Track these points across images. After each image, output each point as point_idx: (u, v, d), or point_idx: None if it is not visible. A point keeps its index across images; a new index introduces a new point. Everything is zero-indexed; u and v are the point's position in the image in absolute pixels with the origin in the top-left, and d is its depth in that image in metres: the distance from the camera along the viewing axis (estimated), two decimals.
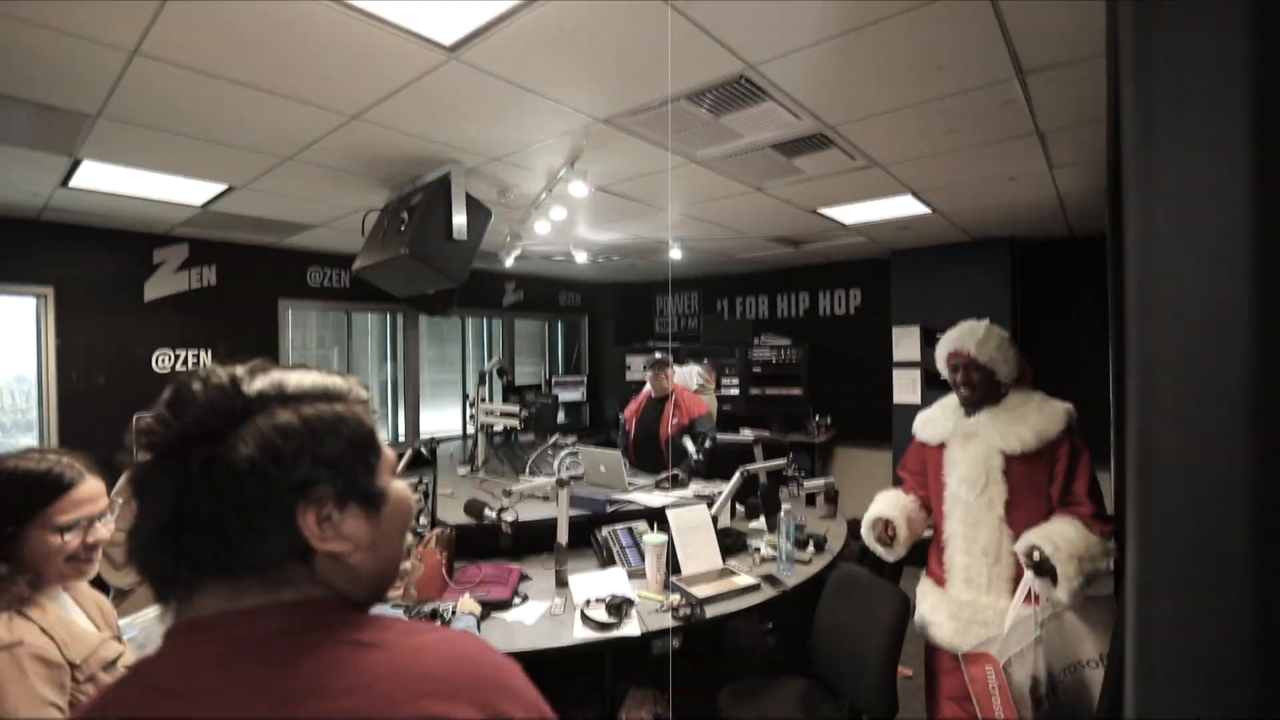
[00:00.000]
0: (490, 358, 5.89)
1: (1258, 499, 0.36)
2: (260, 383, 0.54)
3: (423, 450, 4.10)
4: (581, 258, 4.62)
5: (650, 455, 3.58)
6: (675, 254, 4.45)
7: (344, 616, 0.54)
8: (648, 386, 3.88)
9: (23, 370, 3.64)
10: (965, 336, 2.02)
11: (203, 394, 0.52)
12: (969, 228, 4.13)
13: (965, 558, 1.97)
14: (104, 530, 1.11)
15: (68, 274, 3.67)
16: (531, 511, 2.69)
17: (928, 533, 2.24)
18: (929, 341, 4.77)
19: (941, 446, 2.10)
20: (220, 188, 2.95)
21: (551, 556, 2.36)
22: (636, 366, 6.24)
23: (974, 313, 4.47)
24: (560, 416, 6.32)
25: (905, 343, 4.91)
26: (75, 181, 2.78)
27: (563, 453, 3.30)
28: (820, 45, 1.67)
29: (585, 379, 6.52)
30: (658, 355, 3.88)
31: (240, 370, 0.54)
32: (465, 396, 4.93)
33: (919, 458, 2.23)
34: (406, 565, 0.64)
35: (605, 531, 2.56)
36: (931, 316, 4.77)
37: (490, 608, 2.09)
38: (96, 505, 1.11)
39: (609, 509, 2.76)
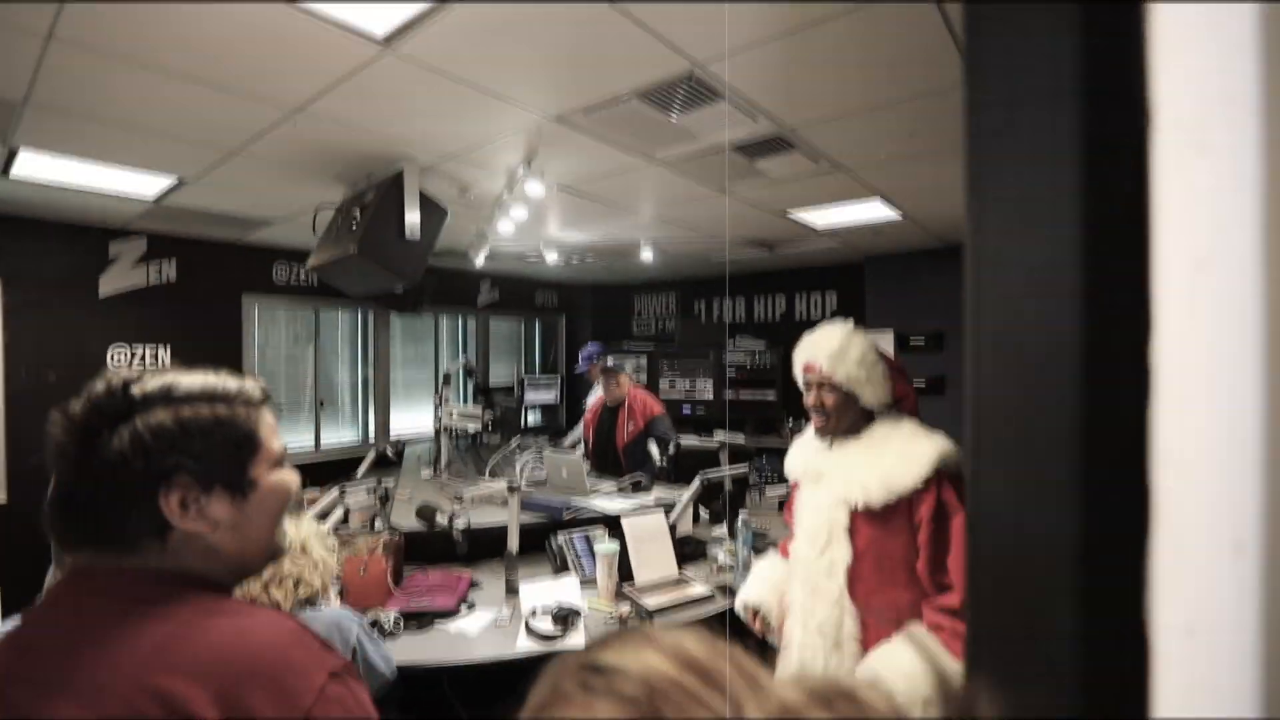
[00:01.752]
0: (464, 357, 5.81)
1: (1082, 562, 0.32)
2: (151, 385, 0.64)
3: (387, 452, 4.02)
4: (554, 258, 4.56)
5: (609, 464, 3.53)
6: (647, 255, 4.40)
7: (166, 588, 0.62)
8: (600, 396, 3.80)
9: None
10: (818, 346, 1.60)
11: (97, 394, 0.63)
12: (941, 233, 4.12)
13: (801, 633, 1.54)
14: None
15: (16, 267, 3.54)
16: (487, 517, 2.63)
17: None
18: (903, 347, 4.77)
19: (795, 485, 1.73)
20: (169, 180, 2.85)
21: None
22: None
23: (947, 319, 4.60)
24: (534, 418, 6.26)
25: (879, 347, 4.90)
26: (16, 171, 2.68)
27: (523, 459, 3.24)
28: (769, 44, 1.63)
29: (560, 379, 6.45)
30: (610, 362, 3.77)
31: (136, 375, 0.65)
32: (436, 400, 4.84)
33: (793, 500, 1.80)
34: (293, 548, 0.71)
35: (561, 538, 2.51)
36: (906, 322, 4.76)
37: (434, 617, 2.03)
38: None
39: (566, 515, 2.70)
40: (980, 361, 0.37)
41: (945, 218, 3.64)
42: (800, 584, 1.57)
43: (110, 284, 3.87)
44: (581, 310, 7.17)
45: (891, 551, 1.46)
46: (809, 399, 1.61)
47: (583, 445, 4.02)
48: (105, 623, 0.58)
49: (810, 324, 1.73)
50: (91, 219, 3.62)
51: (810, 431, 1.74)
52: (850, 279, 5.31)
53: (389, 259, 2.41)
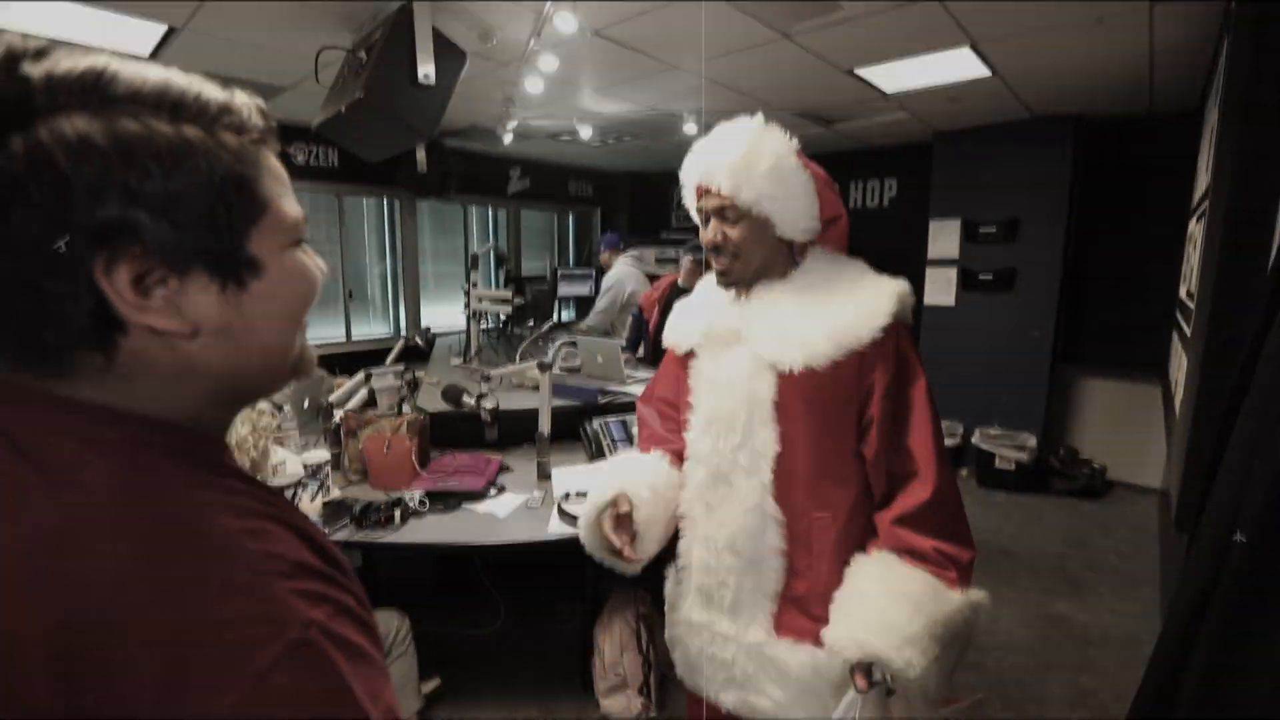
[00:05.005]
0: (494, 241, 5.58)
1: None
2: (64, 67, 0.35)
3: (417, 341, 3.90)
4: (587, 133, 4.16)
5: None
6: (690, 129, 3.97)
7: (89, 432, 0.37)
8: (673, 273, 3.61)
9: None
10: (711, 157, 1.09)
11: None
12: (1031, 99, 3.56)
13: (704, 551, 1.15)
14: None
15: None
16: (518, 401, 2.48)
17: None
18: (971, 237, 4.32)
19: (689, 357, 1.23)
20: (160, 28, 2.56)
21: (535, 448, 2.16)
22: (649, 259, 5.88)
23: (1026, 206, 4.11)
24: (568, 314, 6.07)
25: (942, 238, 4.46)
26: None
27: (558, 342, 3.05)
28: None
29: (594, 272, 6.19)
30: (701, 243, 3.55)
31: (31, 45, 0.35)
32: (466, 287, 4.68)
33: (669, 375, 1.33)
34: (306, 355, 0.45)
35: (596, 423, 2.35)
36: (975, 209, 4.28)
37: (461, 499, 1.92)
38: None
39: (602, 400, 2.53)
40: None
41: (1044, 74, 3.10)
42: (700, 488, 1.15)
43: None
44: (617, 201, 6.78)
45: (832, 431, 1.06)
46: (705, 235, 1.13)
47: (633, 327, 3.86)
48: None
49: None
50: None
51: (705, 283, 1.28)
52: (913, 162, 4.77)
53: (400, 108, 2.12)
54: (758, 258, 1.11)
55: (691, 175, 1.14)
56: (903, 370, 1.06)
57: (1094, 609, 2.73)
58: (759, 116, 1.10)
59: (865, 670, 0.95)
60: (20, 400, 0.37)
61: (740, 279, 1.14)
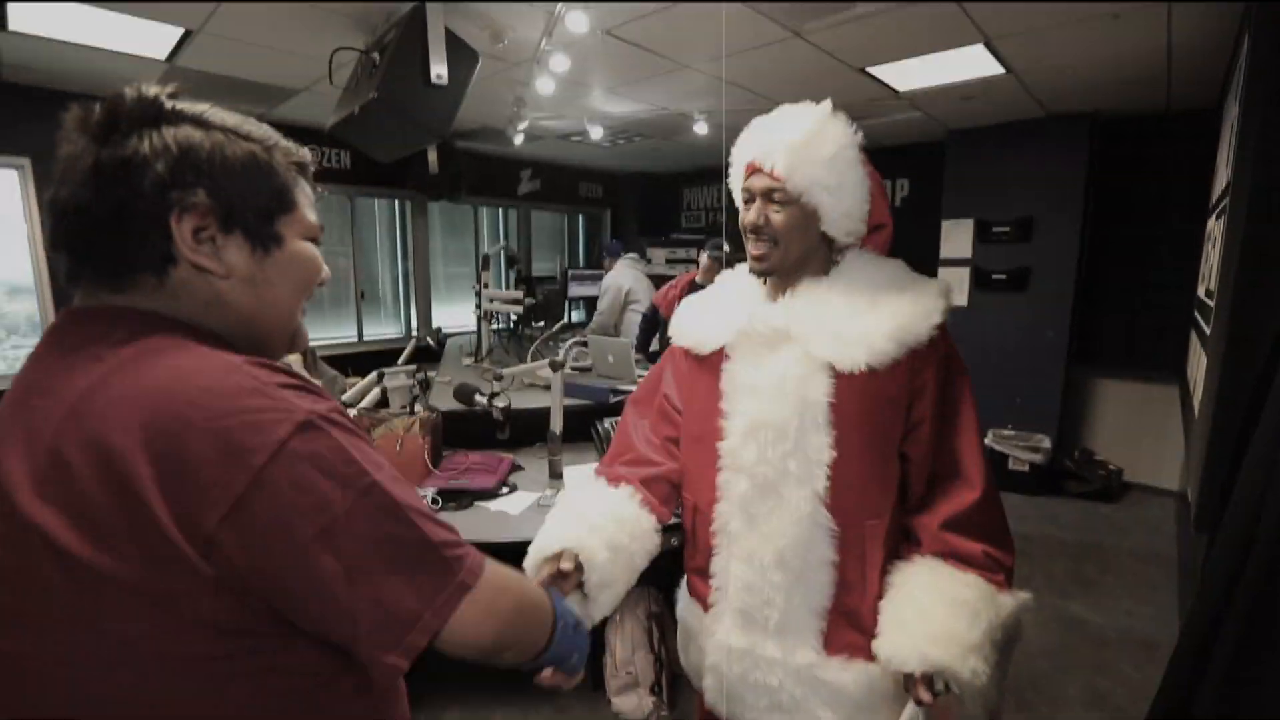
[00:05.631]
0: (504, 241, 5.60)
1: None
2: (187, 105, 0.55)
3: (429, 341, 3.92)
4: (598, 134, 4.17)
5: None
6: (701, 129, 3.97)
7: (135, 328, 0.52)
8: (691, 273, 3.63)
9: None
10: (772, 134, 1.02)
11: (124, 96, 0.53)
12: (1046, 97, 3.52)
13: (746, 569, 1.05)
14: None
15: (43, 143, 3.40)
16: (529, 401, 2.49)
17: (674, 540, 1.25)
18: (985, 237, 4.28)
19: (718, 357, 1.11)
20: (176, 32, 2.59)
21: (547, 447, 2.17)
22: (659, 260, 5.88)
23: (1041, 205, 4.07)
24: (578, 315, 6.08)
25: (955, 237, 4.43)
26: (14, 23, 2.46)
27: (569, 342, 3.06)
28: None
29: (604, 274, 6.20)
30: (725, 246, 3.57)
31: (169, 91, 0.55)
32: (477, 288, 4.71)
33: (678, 376, 1.20)
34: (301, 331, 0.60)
35: (607, 423, 2.35)
36: (989, 208, 4.25)
37: (473, 497, 1.92)
38: None
39: (612, 399, 2.54)
40: None
41: (1060, 71, 3.07)
42: (740, 503, 1.05)
43: None
44: (627, 203, 6.78)
45: (885, 433, 1.01)
46: (747, 216, 1.05)
47: (643, 327, 3.88)
48: (56, 365, 0.51)
49: None
50: (108, 88, 3.42)
51: (726, 278, 1.20)
52: (925, 162, 4.74)
53: (414, 108, 2.13)
54: (797, 249, 1.04)
55: (745, 151, 1.06)
56: (952, 369, 1.03)
57: (1110, 611, 2.70)
58: (827, 103, 1.04)
59: (928, 682, 0.90)
60: (91, 309, 0.54)
61: (776, 269, 1.06)
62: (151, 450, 0.45)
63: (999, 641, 0.92)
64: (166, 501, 0.44)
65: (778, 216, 1.02)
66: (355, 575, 0.49)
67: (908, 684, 0.92)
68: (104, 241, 0.52)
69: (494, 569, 0.61)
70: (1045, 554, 3.22)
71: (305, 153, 0.63)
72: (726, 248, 3.56)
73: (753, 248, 1.06)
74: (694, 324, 1.17)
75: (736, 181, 1.10)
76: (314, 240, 0.63)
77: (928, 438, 1.01)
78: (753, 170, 1.05)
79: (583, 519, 1.03)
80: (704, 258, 3.62)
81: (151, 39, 2.66)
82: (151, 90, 0.54)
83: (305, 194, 0.62)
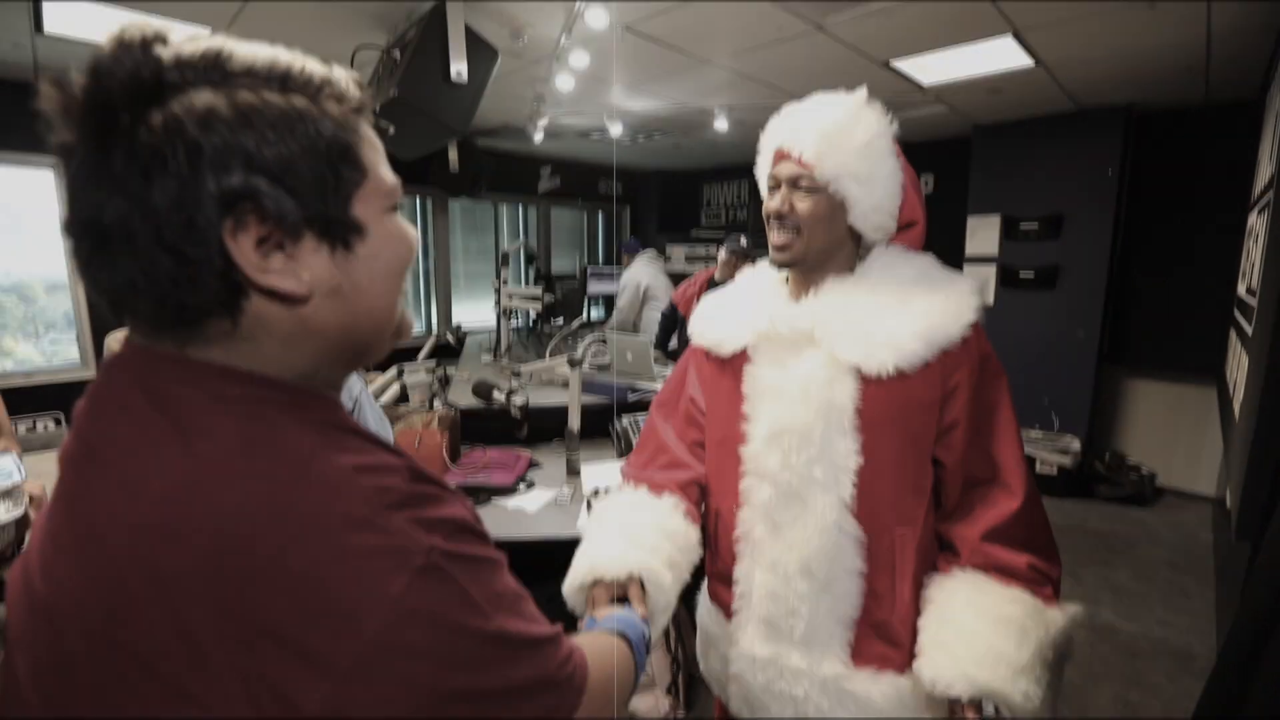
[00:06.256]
0: (524, 238, 5.62)
1: None
2: (189, 50, 0.38)
3: (448, 338, 3.95)
4: (617, 130, 4.16)
5: None
6: (721, 125, 3.93)
7: (232, 405, 0.40)
8: (709, 270, 3.61)
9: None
10: (802, 120, 0.98)
11: (104, 60, 0.37)
12: (1077, 90, 3.43)
13: (770, 578, 1.01)
14: None
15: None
16: (547, 398, 2.48)
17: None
18: (1011, 234, 4.19)
19: (739, 360, 1.07)
20: (204, 33, 2.63)
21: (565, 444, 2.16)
22: (678, 257, 5.86)
23: (1071, 201, 3.96)
24: (597, 313, 6.08)
25: (981, 234, 4.34)
26: (49, 26, 2.52)
27: (587, 339, 3.05)
28: None
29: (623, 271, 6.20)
30: (743, 240, 3.53)
31: (158, 31, 0.38)
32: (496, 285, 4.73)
33: (702, 377, 1.16)
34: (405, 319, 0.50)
35: (625, 420, 2.34)
36: (1016, 205, 4.15)
37: (491, 493, 1.93)
38: None
39: (631, 397, 2.52)
40: None
41: (1092, 63, 2.98)
42: (763, 510, 1.01)
43: None
44: (647, 200, 6.77)
45: (916, 438, 0.95)
46: (771, 203, 1.00)
47: (662, 326, 3.87)
48: (122, 437, 0.39)
49: None
50: None
51: (748, 275, 1.16)
52: (950, 156, 4.65)
53: (433, 105, 2.14)
54: (821, 239, 0.98)
55: (773, 137, 1.01)
56: (987, 370, 0.97)
57: (1143, 620, 2.61)
58: (862, 90, 0.99)
59: (977, 707, 0.86)
60: (158, 361, 0.41)
61: (797, 260, 1.00)
62: (233, 607, 0.35)
63: (1050, 660, 0.87)
64: (255, 676, 0.35)
65: (803, 204, 0.97)
66: None
67: (954, 709, 0.87)
68: (146, 278, 0.38)
69: (592, 655, 0.55)
70: (1073, 559, 3.14)
71: (356, 84, 0.46)
72: (744, 241, 3.52)
73: (774, 236, 1.01)
74: (714, 324, 1.13)
75: (763, 169, 1.05)
76: (395, 206, 0.48)
77: (962, 442, 0.95)
78: (780, 156, 1.00)
79: (639, 539, 0.99)
80: (722, 253, 3.59)
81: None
82: (132, 34, 0.38)
83: (373, 145, 0.46)
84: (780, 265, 1.03)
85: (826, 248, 1.00)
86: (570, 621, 0.72)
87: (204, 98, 0.38)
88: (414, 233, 0.50)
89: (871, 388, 0.94)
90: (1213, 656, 2.30)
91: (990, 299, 4.27)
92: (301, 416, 0.42)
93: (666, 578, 0.96)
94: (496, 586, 0.45)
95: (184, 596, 0.35)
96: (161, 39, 0.39)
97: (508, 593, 0.46)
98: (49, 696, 0.39)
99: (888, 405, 0.94)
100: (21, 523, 1.77)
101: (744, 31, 2.65)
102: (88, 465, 0.41)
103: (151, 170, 0.37)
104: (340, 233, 0.43)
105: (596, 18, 2.24)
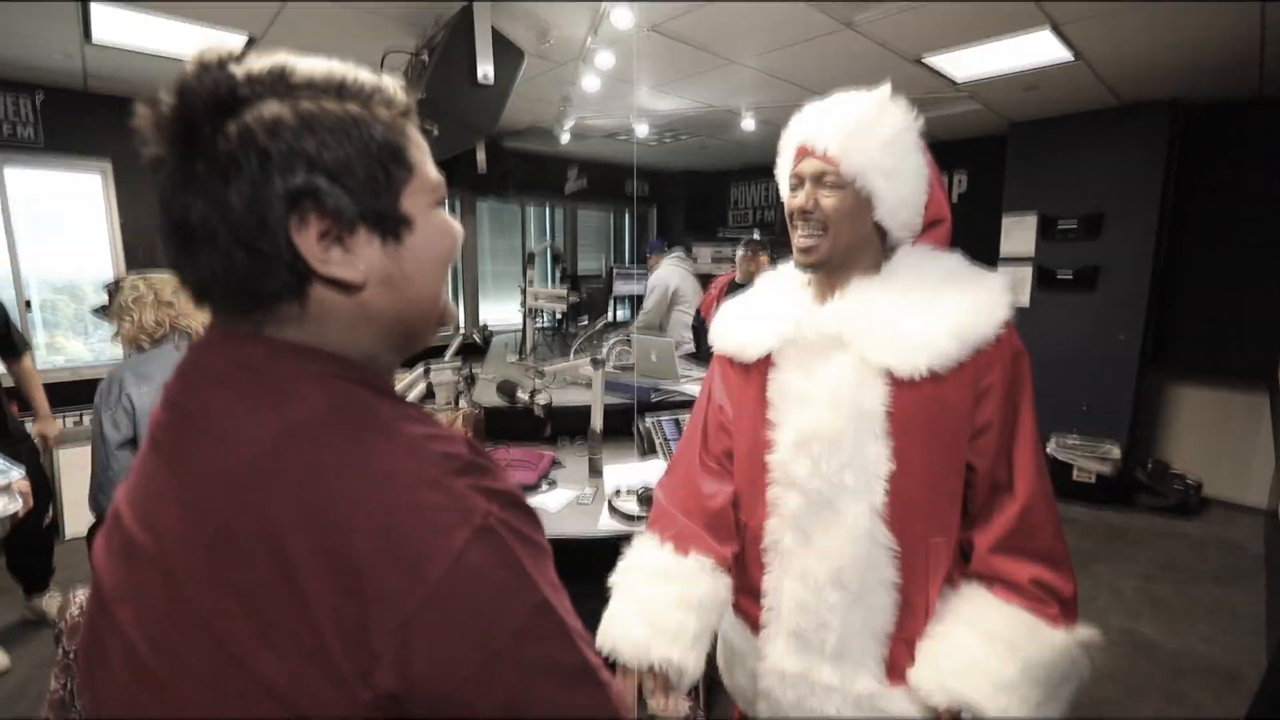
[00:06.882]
0: (550, 239, 5.66)
1: None
2: (258, 67, 0.44)
3: (475, 338, 3.99)
4: (643, 131, 4.16)
5: None
6: (748, 124, 3.90)
7: (300, 367, 0.45)
8: (729, 273, 3.57)
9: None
10: (826, 116, 0.95)
11: (188, 79, 0.43)
12: (1119, 84, 3.31)
13: (800, 588, 0.98)
14: None
15: (123, 148, 3.64)
16: (571, 397, 2.49)
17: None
18: (1048, 234, 4.06)
19: (763, 366, 1.04)
20: (241, 38, 2.71)
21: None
22: (704, 258, 5.83)
23: (1112, 200, 3.83)
24: (623, 313, 6.09)
25: (1016, 234, 4.22)
26: (97, 35, 2.63)
27: (612, 339, 3.05)
28: None
29: (648, 272, 6.20)
30: (755, 236, 3.47)
31: (232, 52, 0.44)
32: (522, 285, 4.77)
33: (729, 384, 1.12)
34: (449, 308, 0.55)
35: (649, 421, 2.33)
36: (1053, 203, 4.03)
37: None
38: None
39: (654, 397, 2.51)
40: None
41: (1135, 56, 2.87)
42: (791, 519, 0.98)
43: None
44: (673, 200, 6.76)
45: (950, 442, 0.92)
46: (794, 201, 0.97)
47: (691, 332, 3.84)
48: (217, 403, 0.45)
49: None
50: None
51: (770, 278, 1.13)
52: (985, 154, 4.53)
53: (459, 108, 2.16)
54: (847, 236, 0.95)
55: (795, 135, 0.99)
56: (1019, 369, 0.93)
57: (1186, 636, 2.51)
58: (886, 85, 0.96)
59: (956, 717, 0.87)
60: (243, 340, 0.46)
61: (825, 258, 0.97)
62: (323, 543, 0.40)
63: (1043, 680, 0.84)
64: (335, 607, 0.39)
65: (828, 200, 0.94)
66: (516, 706, 0.44)
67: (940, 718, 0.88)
68: (225, 270, 0.44)
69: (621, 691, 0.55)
70: (1112, 570, 3.03)
71: (405, 91, 0.51)
72: (757, 234, 3.47)
73: (799, 236, 0.98)
74: (735, 331, 1.09)
75: (784, 168, 1.02)
76: (441, 201, 0.53)
77: (993, 446, 0.91)
78: (803, 153, 0.97)
79: (661, 624, 1.00)
80: (739, 250, 3.54)
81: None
82: (210, 56, 0.44)
83: (419, 146, 0.51)
84: (806, 267, 1.00)
85: (853, 245, 0.97)
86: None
87: (271, 108, 0.43)
88: (458, 226, 0.54)
89: (902, 390, 0.91)
90: (1261, 677, 2.19)
91: (1025, 300, 4.16)
92: (375, 388, 0.48)
93: (689, 662, 0.99)
94: (549, 573, 0.47)
95: (284, 536, 0.40)
96: (235, 58, 0.44)
97: (555, 581, 0.48)
98: (159, 640, 0.42)
99: (920, 408, 0.90)
100: (13, 518, 1.85)
101: (771, 30, 2.63)
102: (186, 429, 0.46)
103: (229, 175, 0.42)
104: (391, 226, 0.48)
105: (622, 18, 2.24)
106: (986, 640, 0.85)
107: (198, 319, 1.86)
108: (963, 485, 0.94)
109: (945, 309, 0.90)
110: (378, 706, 0.40)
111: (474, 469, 0.45)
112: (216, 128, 0.42)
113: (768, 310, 1.06)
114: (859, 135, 0.91)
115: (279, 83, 0.44)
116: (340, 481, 0.41)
